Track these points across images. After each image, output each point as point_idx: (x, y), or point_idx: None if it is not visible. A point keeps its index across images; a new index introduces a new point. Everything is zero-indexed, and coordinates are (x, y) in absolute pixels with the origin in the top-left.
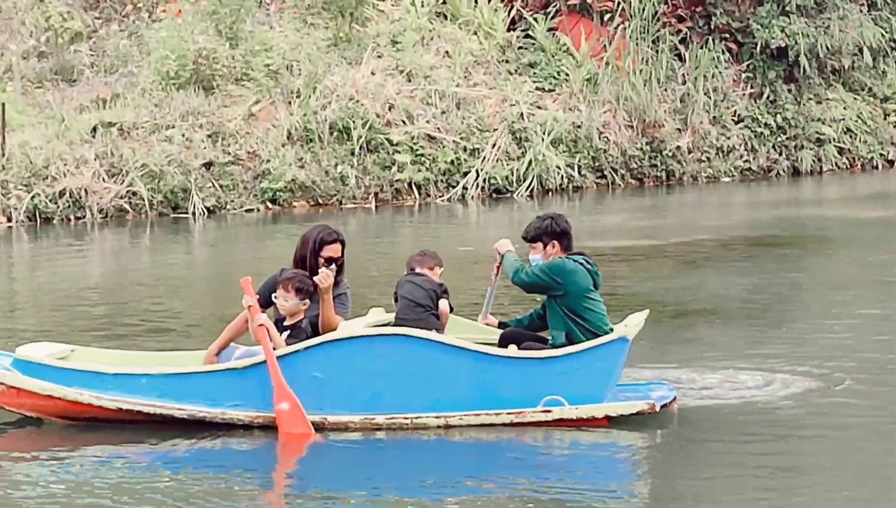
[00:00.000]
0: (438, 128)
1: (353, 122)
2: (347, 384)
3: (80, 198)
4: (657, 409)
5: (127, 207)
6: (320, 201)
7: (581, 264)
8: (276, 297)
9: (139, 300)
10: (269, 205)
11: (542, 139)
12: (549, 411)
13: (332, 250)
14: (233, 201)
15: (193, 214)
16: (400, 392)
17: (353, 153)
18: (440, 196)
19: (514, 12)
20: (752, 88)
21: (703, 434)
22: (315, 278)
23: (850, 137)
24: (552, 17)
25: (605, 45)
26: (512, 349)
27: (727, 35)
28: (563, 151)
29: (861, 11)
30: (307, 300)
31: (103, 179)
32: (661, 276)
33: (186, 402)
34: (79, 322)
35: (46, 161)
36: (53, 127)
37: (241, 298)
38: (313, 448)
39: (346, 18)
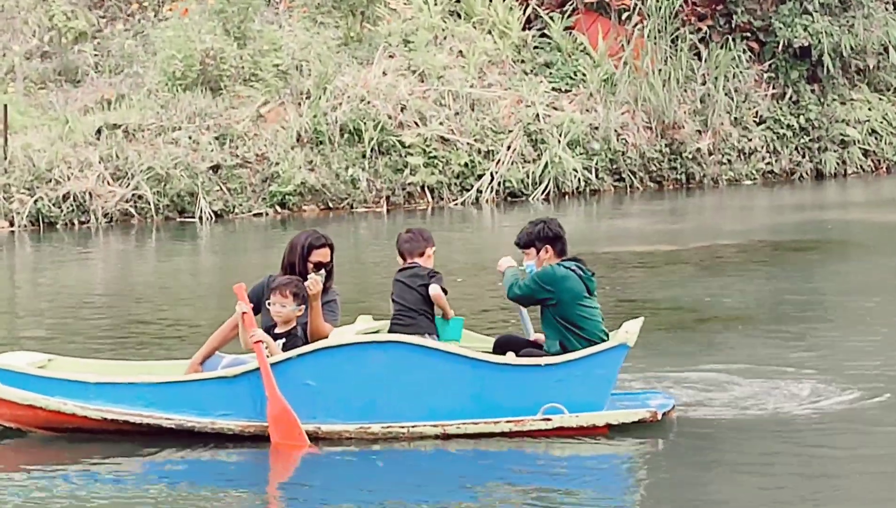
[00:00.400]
0: (452, 130)
1: (365, 123)
2: (341, 393)
3: (85, 202)
4: (659, 417)
5: (132, 211)
6: (330, 205)
7: (573, 270)
8: (270, 303)
9: (144, 308)
10: (278, 209)
11: (559, 141)
12: (548, 419)
13: (320, 255)
14: (241, 205)
15: (200, 218)
16: (395, 401)
17: (364, 156)
18: (454, 200)
19: (529, 11)
20: (774, 88)
21: (720, 445)
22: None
23: (876, 138)
24: (569, 16)
25: (622, 45)
26: (510, 356)
27: (748, 34)
28: (580, 154)
29: (886, 9)
30: (303, 306)
31: (108, 183)
32: (681, 282)
33: (175, 412)
34: (83, 331)
35: (50, 164)
36: (57, 129)
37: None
38: (308, 460)
39: (357, 17)
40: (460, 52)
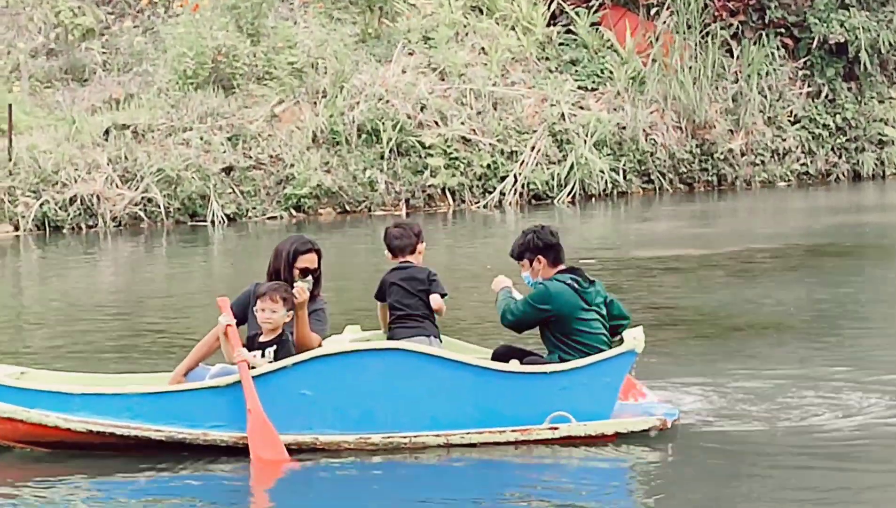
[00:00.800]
0: (474, 130)
1: (383, 123)
2: (339, 403)
3: (92, 205)
4: (668, 425)
5: (142, 214)
6: (347, 208)
7: (568, 283)
8: (258, 310)
9: (153, 316)
10: (294, 212)
11: (585, 141)
12: (556, 428)
13: (307, 261)
14: (254, 208)
15: (212, 222)
16: (396, 410)
17: (382, 157)
18: (476, 203)
19: (554, 6)
20: (809, 86)
21: (749, 458)
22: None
23: None
24: (595, 11)
25: (651, 41)
26: (514, 364)
27: (782, 30)
28: (608, 155)
29: None
30: (292, 312)
31: (116, 185)
32: (713, 287)
33: (164, 423)
34: (88, 341)
35: (56, 166)
36: (63, 129)
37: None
38: (305, 473)
39: (375, 13)
40: (482, 49)
